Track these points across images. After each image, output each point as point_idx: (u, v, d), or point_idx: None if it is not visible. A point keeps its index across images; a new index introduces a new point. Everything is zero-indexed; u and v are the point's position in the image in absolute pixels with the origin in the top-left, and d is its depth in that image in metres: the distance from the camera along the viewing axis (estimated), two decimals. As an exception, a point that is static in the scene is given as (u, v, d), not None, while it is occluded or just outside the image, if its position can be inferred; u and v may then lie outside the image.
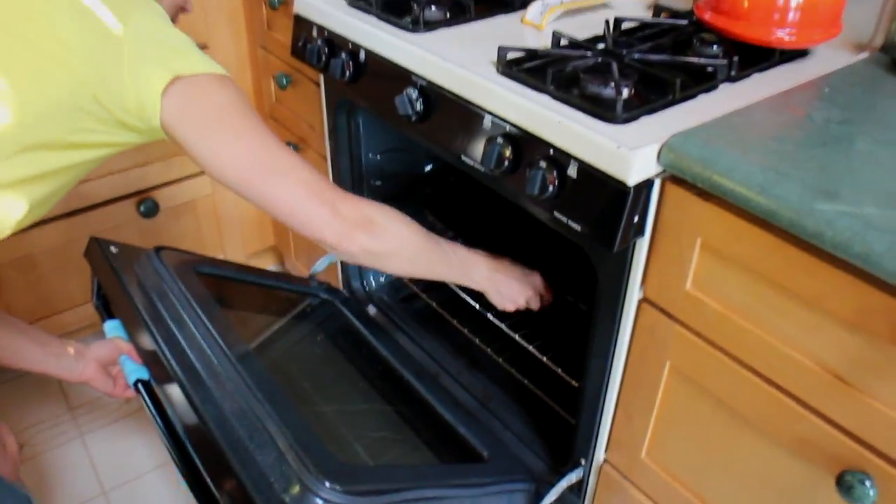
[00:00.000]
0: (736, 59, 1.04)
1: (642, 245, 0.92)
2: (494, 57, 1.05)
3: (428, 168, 1.67)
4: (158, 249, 1.21)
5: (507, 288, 1.24)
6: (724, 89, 1.01)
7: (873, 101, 0.98)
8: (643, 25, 1.22)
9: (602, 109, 0.92)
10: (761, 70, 1.07)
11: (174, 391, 0.98)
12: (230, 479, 0.85)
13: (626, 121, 0.91)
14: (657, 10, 1.27)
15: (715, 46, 1.12)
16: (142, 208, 1.81)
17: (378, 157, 1.54)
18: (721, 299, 0.86)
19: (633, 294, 0.95)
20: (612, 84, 0.96)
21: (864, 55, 1.13)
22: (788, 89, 1.00)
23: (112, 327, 1.22)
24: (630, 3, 1.33)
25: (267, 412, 0.92)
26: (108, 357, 1.22)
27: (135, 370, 1.14)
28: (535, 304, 1.29)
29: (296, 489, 0.82)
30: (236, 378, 0.97)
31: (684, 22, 1.20)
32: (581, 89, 0.99)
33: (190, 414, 0.94)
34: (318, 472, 0.84)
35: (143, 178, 1.80)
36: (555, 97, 0.97)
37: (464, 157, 1.07)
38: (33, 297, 1.78)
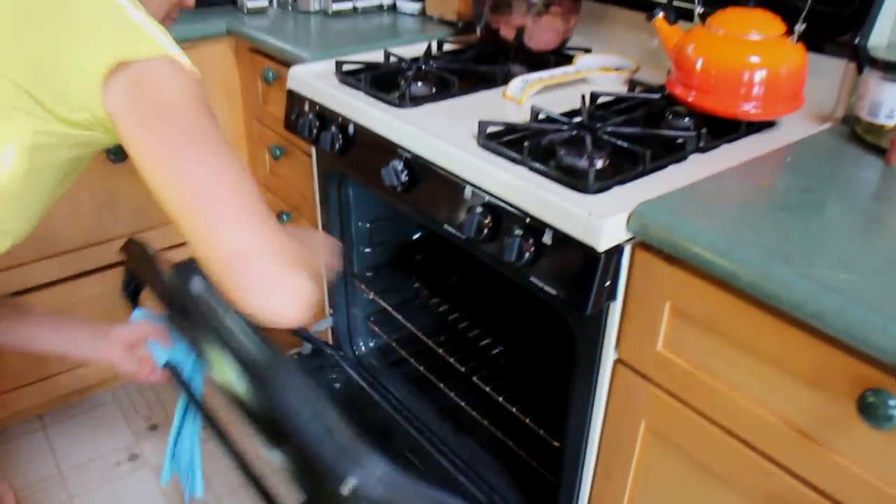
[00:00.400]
0: (704, 130, 1.10)
1: (615, 308, 0.96)
2: (476, 130, 1.11)
3: (416, 236, 1.73)
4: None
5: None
6: (694, 159, 1.07)
7: (833, 170, 1.04)
8: (618, 99, 1.28)
9: (575, 180, 0.97)
10: (729, 141, 1.13)
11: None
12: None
13: (599, 190, 0.96)
14: (632, 84, 1.34)
15: (686, 119, 1.19)
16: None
17: (368, 225, 1.60)
18: (690, 359, 0.90)
19: (609, 355, 0.99)
20: (586, 156, 1.02)
21: (827, 125, 1.20)
22: (753, 158, 1.06)
23: (139, 315, 1.20)
24: (607, 78, 1.40)
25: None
26: (133, 340, 1.17)
27: (164, 353, 1.13)
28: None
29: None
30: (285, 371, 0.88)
31: (657, 96, 1.26)
32: (557, 161, 1.05)
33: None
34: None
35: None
36: (531, 168, 1.02)
37: (446, 226, 1.12)
38: (31, 360, 1.81)
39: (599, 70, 1.42)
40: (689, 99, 1.17)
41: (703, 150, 1.09)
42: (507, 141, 1.10)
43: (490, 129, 1.12)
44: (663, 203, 0.91)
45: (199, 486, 1.14)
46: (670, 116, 1.20)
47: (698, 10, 1.23)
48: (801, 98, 1.17)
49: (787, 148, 1.11)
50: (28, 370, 1.83)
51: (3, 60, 0.78)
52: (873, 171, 1.03)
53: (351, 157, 1.34)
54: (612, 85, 1.38)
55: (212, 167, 0.78)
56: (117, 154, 1.68)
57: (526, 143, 1.04)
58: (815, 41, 1.19)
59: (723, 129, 1.14)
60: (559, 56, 1.50)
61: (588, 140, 1.05)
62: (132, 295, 1.16)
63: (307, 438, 0.73)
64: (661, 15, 1.26)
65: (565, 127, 1.12)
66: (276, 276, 0.76)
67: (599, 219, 0.89)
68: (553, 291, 0.96)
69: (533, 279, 0.98)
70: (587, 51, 1.52)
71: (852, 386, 0.74)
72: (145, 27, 0.80)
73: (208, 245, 0.76)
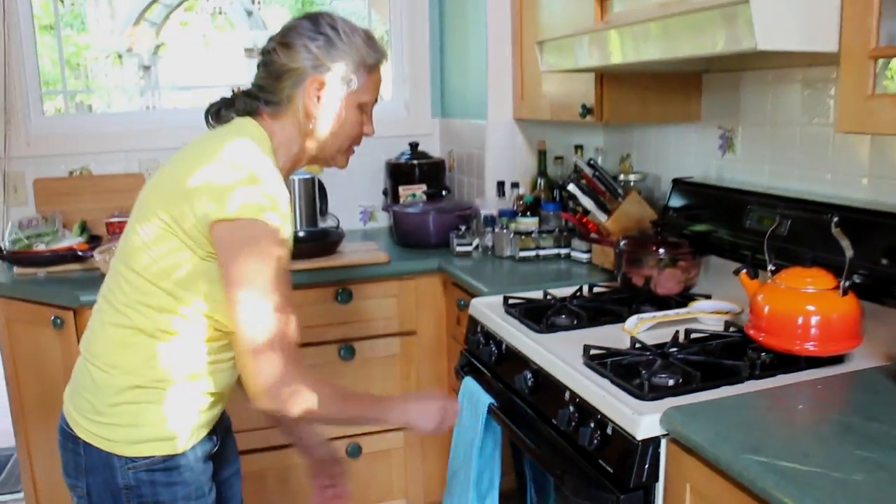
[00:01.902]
0: (760, 361, 1.40)
1: (659, 489, 1.26)
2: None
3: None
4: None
5: (422, 412, 1.48)
6: (749, 384, 1.36)
7: (852, 395, 1.29)
8: (710, 336, 1.61)
9: (636, 389, 1.32)
10: (786, 372, 1.41)
11: None
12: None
13: (653, 399, 1.30)
14: (727, 325, 1.66)
15: (762, 354, 1.47)
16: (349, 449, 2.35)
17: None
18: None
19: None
20: (648, 373, 1.36)
21: (888, 363, 1.43)
22: (791, 384, 1.34)
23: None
24: (712, 319, 1.73)
25: None
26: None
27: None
28: (449, 418, 1.50)
29: None
30: None
31: (739, 335, 1.57)
32: (631, 375, 1.40)
33: None
34: None
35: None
36: (612, 381, 1.38)
37: (552, 419, 1.49)
38: (259, 502, 2.34)
39: (710, 313, 1.75)
40: (760, 338, 1.48)
41: (756, 377, 1.38)
42: (602, 361, 1.47)
43: (593, 352, 1.50)
44: (689, 409, 1.23)
45: None
46: (750, 351, 1.50)
47: (770, 267, 1.56)
48: (857, 339, 1.43)
49: (832, 378, 1.37)
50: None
51: (166, 209, 1.27)
52: (890, 398, 1.26)
53: (502, 367, 1.76)
54: (714, 325, 1.70)
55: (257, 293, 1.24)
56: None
57: (608, 361, 1.41)
58: (873, 294, 1.47)
59: (786, 363, 1.42)
60: (682, 299, 1.86)
61: (658, 362, 1.40)
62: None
63: None
64: (744, 271, 1.59)
65: (648, 353, 1.47)
66: (254, 371, 1.24)
67: (639, 416, 1.23)
68: (609, 468, 1.28)
69: (600, 461, 1.31)
70: (707, 297, 1.87)
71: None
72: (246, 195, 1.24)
73: (238, 333, 1.24)
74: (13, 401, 2.35)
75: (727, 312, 1.74)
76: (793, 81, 1.80)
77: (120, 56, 6.53)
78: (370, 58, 1.41)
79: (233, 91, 1.45)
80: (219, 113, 1.43)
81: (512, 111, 2.67)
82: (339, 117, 1.40)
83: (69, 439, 1.33)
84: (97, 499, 1.31)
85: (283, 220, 1.28)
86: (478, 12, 2.69)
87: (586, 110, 2.08)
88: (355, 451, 2.38)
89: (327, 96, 1.38)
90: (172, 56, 6.93)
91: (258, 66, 1.42)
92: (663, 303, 1.86)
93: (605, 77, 2.04)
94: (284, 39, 1.37)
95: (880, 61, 1.21)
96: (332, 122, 1.40)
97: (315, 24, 1.37)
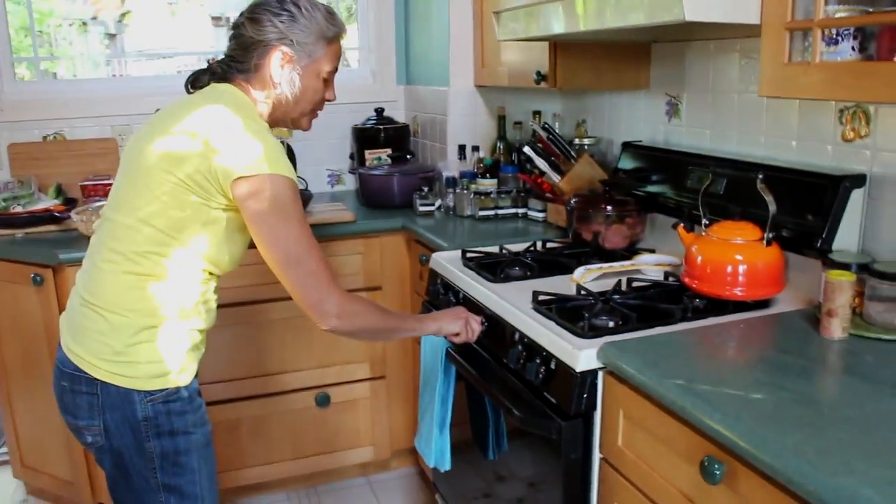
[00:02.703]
0: (692, 305, 1.55)
1: (597, 417, 1.40)
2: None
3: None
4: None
5: (450, 318, 1.70)
6: (681, 326, 1.51)
7: (768, 332, 1.44)
8: (651, 285, 1.75)
9: (578, 329, 1.46)
10: (716, 315, 1.56)
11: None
12: None
13: (592, 337, 1.44)
14: (667, 275, 1.81)
15: (696, 300, 1.62)
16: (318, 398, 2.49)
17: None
18: (634, 451, 1.32)
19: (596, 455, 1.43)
20: (590, 315, 1.50)
21: (807, 307, 1.58)
22: (717, 324, 1.49)
23: None
24: (654, 270, 1.87)
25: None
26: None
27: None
28: (475, 325, 1.71)
29: None
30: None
31: (677, 283, 1.72)
32: (576, 318, 1.54)
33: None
34: None
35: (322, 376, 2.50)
36: (557, 322, 1.52)
37: (503, 359, 1.63)
38: (234, 451, 2.47)
39: (652, 265, 1.90)
40: (693, 286, 1.62)
41: (689, 320, 1.53)
42: (550, 306, 1.60)
43: (541, 298, 1.64)
44: (622, 344, 1.37)
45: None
46: (685, 298, 1.65)
47: (704, 221, 1.70)
48: (780, 285, 1.59)
49: (754, 320, 1.52)
50: (231, 459, 2.47)
51: (178, 169, 1.38)
52: (803, 336, 1.41)
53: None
54: (655, 275, 1.85)
55: (294, 237, 1.42)
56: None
57: (554, 306, 1.55)
58: (796, 246, 1.62)
59: (718, 307, 1.57)
60: (628, 253, 2.00)
61: (599, 306, 1.54)
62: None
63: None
64: (681, 225, 1.74)
65: (591, 298, 1.61)
66: (324, 291, 1.43)
67: (578, 351, 1.37)
68: (552, 399, 1.42)
69: (544, 393, 1.46)
70: (651, 251, 2.01)
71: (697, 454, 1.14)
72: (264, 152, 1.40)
73: (286, 282, 1.44)
74: (-6, 356, 2.45)
75: (668, 265, 1.89)
76: (732, 51, 1.94)
77: (84, 24, 6.49)
78: (329, 31, 1.54)
79: (208, 62, 1.61)
80: (197, 80, 1.57)
81: (473, 78, 2.79)
82: (301, 84, 1.54)
83: (80, 382, 1.42)
84: (115, 433, 1.43)
85: (291, 169, 1.44)
86: (441, -18, 2.79)
87: (541, 77, 2.20)
88: (324, 401, 2.52)
89: (290, 66, 1.51)
90: (138, 24, 6.89)
91: (230, 38, 1.56)
92: (611, 256, 2.00)
93: (559, 46, 2.16)
94: (252, 14, 1.51)
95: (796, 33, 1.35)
96: (296, 88, 1.53)
97: (280, 0, 1.51)
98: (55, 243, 2.28)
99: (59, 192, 2.62)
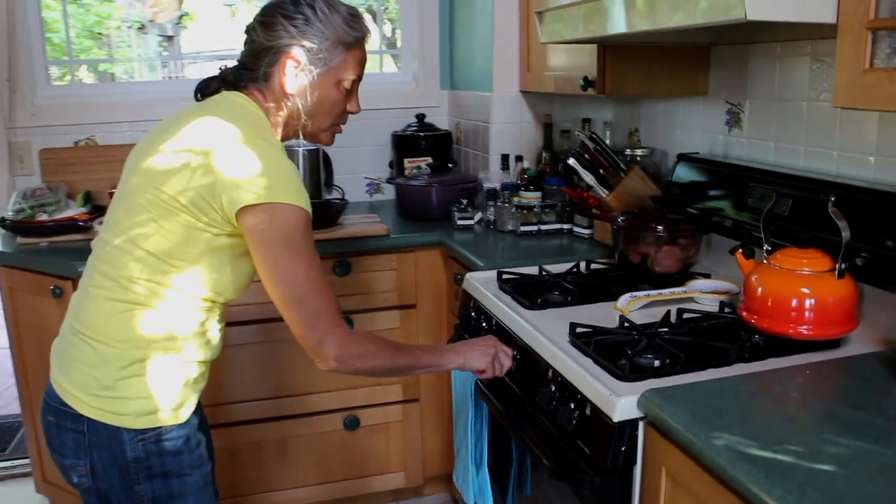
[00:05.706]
0: (750, 343, 1.36)
1: (637, 472, 1.23)
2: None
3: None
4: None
5: (476, 353, 1.52)
6: (738, 367, 1.33)
7: (838, 382, 1.24)
8: (703, 317, 1.56)
9: (618, 370, 1.29)
10: (777, 356, 1.37)
11: None
12: None
13: (634, 380, 1.26)
14: (723, 306, 1.62)
15: (755, 336, 1.43)
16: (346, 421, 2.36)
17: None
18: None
19: None
20: (631, 353, 1.33)
21: (884, 349, 1.38)
22: (777, 369, 1.30)
23: None
24: (709, 299, 1.68)
25: None
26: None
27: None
28: (505, 360, 1.54)
29: None
30: None
31: (733, 316, 1.53)
32: (617, 355, 1.36)
33: None
34: None
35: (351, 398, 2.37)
36: (594, 361, 1.35)
37: (535, 398, 1.46)
38: (258, 473, 2.35)
39: (707, 292, 1.71)
40: (752, 320, 1.43)
41: (745, 360, 1.34)
42: (586, 340, 1.43)
43: (579, 330, 1.47)
44: (667, 391, 1.19)
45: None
46: (742, 334, 1.46)
47: (766, 247, 1.51)
48: (852, 323, 1.39)
49: (822, 363, 1.33)
50: (256, 482, 2.36)
51: (172, 187, 1.25)
52: (881, 385, 1.22)
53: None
54: (710, 305, 1.66)
55: (301, 273, 1.28)
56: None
57: (592, 340, 1.38)
58: (873, 278, 1.42)
59: (781, 347, 1.38)
60: (680, 278, 1.81)
61: (644, 342, 1.37)
62: None
63: None
64: (739, 250, 1.55)
65: (634, 333, 1.44)
66: (325, 332, 1.30)
67: (616, 397, 1.20)
68: (586, 450, 1.26)
69: (578, 442, 1.29)
70: (706, 276, 1.82)
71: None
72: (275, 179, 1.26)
73: (290, 318, 1.30)
74: (18, 368, 2.38)
75: (725, 293, 1.70)
76: (802, 55, 1.74)
77: (143, 26, 6.53)
78: (348, 36, 1.39)
79: (220, 68, 1.47)
80: (206, 88, 1.44)
81: (518, 83, 2.62)
82: (317, 95, 1.39)
83: (66, 418, 1.31)
84: (103, 475, 1.31)
85: (304, 196, 1.30)
86: (486, -18, 2.63)
87: (588, 82, 2.02)
88: (353, 424, 2.38)
89: (303, 74, 1.37)
90: (196, 26, 6.92)
91: (244, 43, 1.42)
92: (661, 281, 1.82)
93: (609, 49, 1.98)
94: (264, 18, 1.38)
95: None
96: (311, 99, 1.39)
97: (295, 3, 1.37)
98: (76, 253, 2.19)
99: (87, 199, 2.55)
